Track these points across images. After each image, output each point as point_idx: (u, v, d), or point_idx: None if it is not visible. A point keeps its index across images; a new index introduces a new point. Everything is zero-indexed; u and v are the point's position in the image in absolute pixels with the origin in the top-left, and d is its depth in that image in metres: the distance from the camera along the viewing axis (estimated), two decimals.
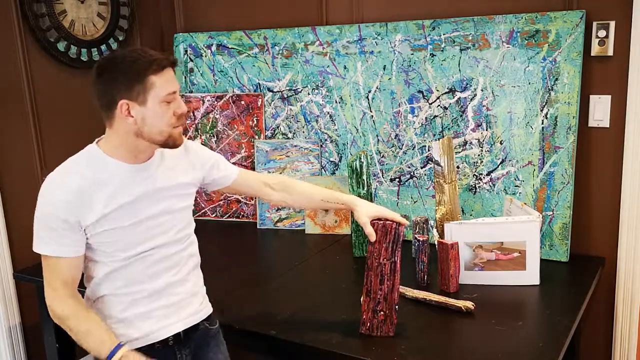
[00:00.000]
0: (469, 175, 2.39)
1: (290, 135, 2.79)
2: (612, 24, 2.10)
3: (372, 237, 1.65)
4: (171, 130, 1.45)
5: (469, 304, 1.86)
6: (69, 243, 1.44)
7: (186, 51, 2.95)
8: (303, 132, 2.75)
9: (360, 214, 1.68)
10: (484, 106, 2.32)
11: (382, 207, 1.70)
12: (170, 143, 1.47)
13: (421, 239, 2.08)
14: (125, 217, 1.47)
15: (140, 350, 1.51)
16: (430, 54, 2.39)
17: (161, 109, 1.42)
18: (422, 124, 2.46)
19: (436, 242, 2.11)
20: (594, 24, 2.12)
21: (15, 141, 2.47)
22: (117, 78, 1.39)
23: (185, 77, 2.98)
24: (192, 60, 2.95)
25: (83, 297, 1.54)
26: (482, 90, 2.31)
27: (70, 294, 1.47)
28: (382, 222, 1.66)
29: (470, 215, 2.39)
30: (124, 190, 1.46)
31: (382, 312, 1.71)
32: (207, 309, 1.69)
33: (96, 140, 1.51)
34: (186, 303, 1.61)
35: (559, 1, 2.19)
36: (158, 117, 1.42)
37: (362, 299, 1.73)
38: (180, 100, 1.46)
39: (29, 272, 2.37)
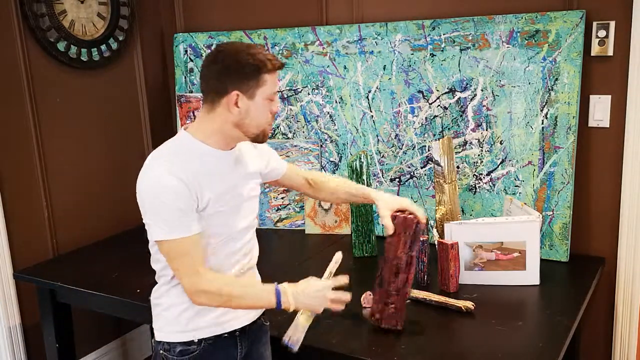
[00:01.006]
0: (469, 175, 2.39)
1: (290, 135, 2.79)
2: (612, 24, 2.10)
3: (390, 230, 1.71)
4: (265, 126, 1.53)
5: (469, 304, 1.86)
6: (193, 219, 1.47)
7: (186, 51, 2.95)
8: (303, 132, 2.75)
9: (381, 207, 1.73)
10: (484, 106, 2.32)
11: (404, 199, 1.75)
12: (261, 138, 1.54)
13: (421, 239, 2.08)
14: (223, 201, 1.52)
15: (206, 341, 1.56)
16: (430, 54, 2.39)
17: (264, 106, 1.49)
18: (422, 124, 2.46)
19: (436, 242, 2.11)
20: (594, 24, 2.12)
21: (15, 141, 2.47)
22: (234, 69, 1.45)
23: (185, 77, 2.98)
24: (192, 60, 2.95)
25: (160, 280, 1.58)
26: (482, 90, 2.31)
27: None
28: (403, 215, 1.69)
29: (470, 215, 2.39)
30: (221, 176, 1.52)
31: (393, 305, 1.73)
32: None
33: (183, 127, 1.56)
34: None
35: (559, 1, 2.19)
36: (260, 112, 1.49)
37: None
38: (278, 100, 1.56)
39: (29, 272, 2.37)
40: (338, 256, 1.67)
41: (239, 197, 1.58)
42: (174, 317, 1.55)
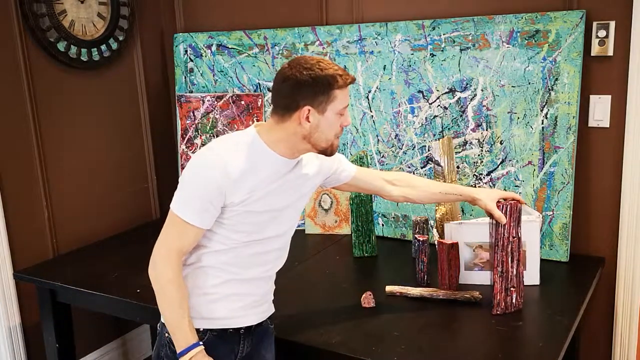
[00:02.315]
0: (469, 175, 2.39)
1: None
2: (612, 24, 2.10)
3: (503, 220, 1.79)
4: (334, 140, 1.55)
5: (476, 294, 1.90)
6: (210, 216, 1.50)
7: (186, 51, 2.95)
8: None
9: (486, 202, 1.82)
10: (484, 106, 2.32)
11: (498, 190, 1.85)
12: (329, 151, 1.56)
13: (421, 239, 2.08)
14: (266, 203, 1.53)
15: (211, 332, 1.56)
16: (430, 54, 2.39)
17: (334, 120, 1.52)
18: (422, 124, 2.46)
19: (436, 242, 2.11)
20: (594, 24, 2.12)
21: (15, 141, 2.47)
22: (307, 84, 1.47)
23: (185, 77, 2.98)
24: (192, 60, 2.95)
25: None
26: (482, 90, 2.31)
27: (180, 262, 1.52)
28: (507, 202, 1.79)
29: (470, 215, 2.39)
30: (274, 179, 1.54)
31: (513, 288, 1.83)
32: (272, 308, 1.73)
33: (254, 124, 1.58)
34: (266, 299, 1.67)
35: (559, 1, 2.19)
36: (330, 126, 1.52)
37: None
38: (348, 114, 1.56)
39: (29, 272, 2.37)
40: None
41: (282, 204, 1.58)
42: (191, 302, 1.56)
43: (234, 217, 1.52)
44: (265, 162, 1.52)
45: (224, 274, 1.57)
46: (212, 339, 1.57)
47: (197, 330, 1.55)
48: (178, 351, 1.49)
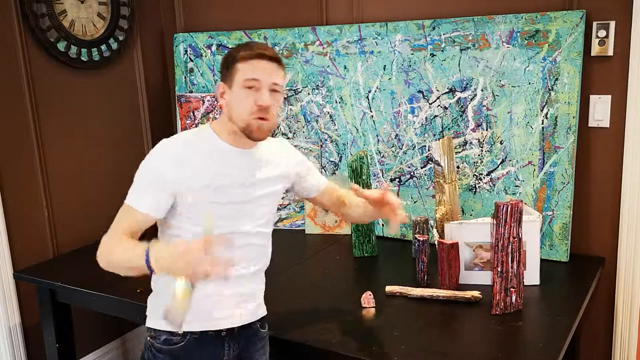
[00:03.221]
0: (469, 175, 2.39)
1: (290, 135, 2.79)
2: (612, 24, 2.10)
3: (374, 195, 1.63)
4: (250, 120, 1.49)
5: (476, 294, 1.90)
6: (155, 202, 1.49)
7: (186, 51, 2.95)
8: (303, 132, 2.75)
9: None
10: (484, 106, 2.32)
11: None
12: (247, 133, 1.51)
13: (421, 239, 2.08)
14: (217, 195, 1.52)
15: (192, 335, 1.54)
16: (430, 54, 2.39)
17: (243, 96, 1.48)
18: (422, 124, 2.46)
19: (436, 242, 2.11)
20: (594, 24, 2.12)
21: (15, 141, 2.47)
22: (221, 64, 1.55)
23: (185, 77, 2.98)
24: (192, 60, 2.95)
25: None
26: (482, 90, 2.31)
27: (122, 237, 1.49)
28: (508, 202, 1.78)
29: (470, 215, 2.39)
30: (222, 171, 1.53)
31: (513, 289, 1.83)
32: (263, 311, 1.70)
33: (211, 120, 1.59)
34: (248, 299, 1.62)
35: (559, 1, 2.19)
36: (240, 102, 1.49)
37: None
38: (267, 93, 1.49)
39: (29, 272, 2.37)
40: (209, 216, 1.42)
41: (244, 198, 1.56)
42: (162, 304, 1.52)
43: (191, 210, 1.50)
44: (213, 150, 1.54)
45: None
46: (193, 341, 1.55)
47: (177, 333, 1.53)
48: (141, 265, 1.38)
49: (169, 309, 1.31)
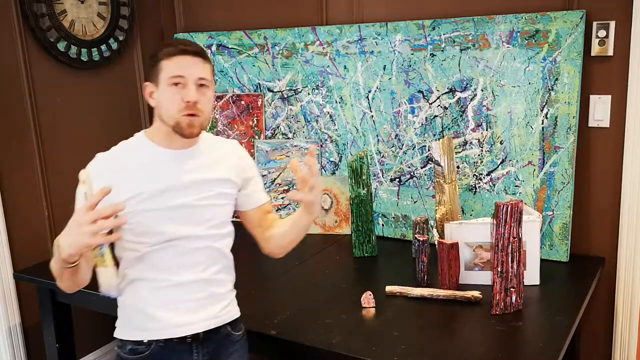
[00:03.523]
0: (469, 175, 2.39)
1: (290, 135, 2.79)
2: (612, 24, 2.10)
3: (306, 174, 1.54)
4: (179, 117, 1.48)
5: (476, 293, 1.90)
6: None
7: None
8: (303, 132, 2.75)
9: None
10: (484, 106, 2.32)
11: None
12: (178, 131, 1.50)
13: (421, 239, 2.08)
14: (153, 202, 1.50)
15: (157, 343, 1.53)
16: (430, 54, 2.39)
17: (170, 93, 1.47)
18: (422, 124, 2.46)
19: (436, 242, 2.11)
20: (594, 24, 2.12)
21: (15, 141, 2.47)
22: (148, 64, 1.54)
23: None
24: None
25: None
26: (482, 90, 2.31)
27: None
28: (508, 202, 1.78)
29: (470, 215, 2.39)
30: (156, 176, 1.51)
31: (512, 289, 1.83)
32: (231, 314, 1.66)
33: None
34: (209, 303, 1.58)
35: (559, 1, 2.19)
36: (167, 100, 1.48)
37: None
38: (193, 89, 1.47)
39: (29, 272, 2.37)
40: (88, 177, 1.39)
41: (186, 201, 1.52)
42: (126, 315, 1.57)
43: (134, 217, 1.48)
44: (147, 156, 1.53)
45: (150, 283, 1.53)
46: (159, 349, 1.53)
47: (141, 342, 1.53)
48: (57, 258, 1.37)
49: (98, 279, 1.35)
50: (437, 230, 2.24)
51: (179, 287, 1.54)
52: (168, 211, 1.51)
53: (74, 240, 1.28)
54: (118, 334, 1.58)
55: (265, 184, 2.78)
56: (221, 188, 1.60)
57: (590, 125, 2.21)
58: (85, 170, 1.44)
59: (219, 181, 1.59)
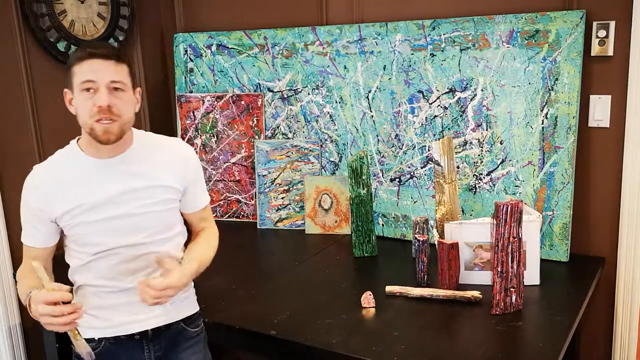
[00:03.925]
0: (469, 175, 2.39)
1: (290, 135, 2.79)
2: (612, 24, 2.10)
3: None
4: (92, 123, 1.45)
5: (476, 294, 1.90)
6: (37, 234, 1.55)
7: (186, 51, 2.95)
8: (303, 132, 2.75)
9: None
10: (484, 106, 2.32)
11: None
12: (94, 137, 1.47)
13: (421, 239, 2.08)
14: (90, 214, 1.50)
15: (107, 340, 1.57)
16: (430, 54, 2.39)
17: (83, 99, 1.44)
18: (422, 124, 2.46)
19: (436, 242, 2.11)
20: (594, 24, 2.12)
21: (15, 141, 2.47)
22: (64, 69, 1.50)
23: (185, 77, 2.98)
24: (192, 60, 2.95)
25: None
26: (482, 90, 2.31)
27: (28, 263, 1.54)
28: (508, 202, 1.78)
29: (470, 215, 2.39)
30: (89, 188, 1.50)
31: (512, 289, 1.83)
32: (183, 312, 1.65)
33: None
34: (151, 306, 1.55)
35: (559, 1, 2.19)
36: (81, 106, 1.45)
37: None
38: (105, 93, 1.43)
39: None
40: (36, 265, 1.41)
41: (124, 211, 1.51)
42: (85, 318, 1.57)
43: (73, 229, 1.50)
44: (80, 167, 1.51)
45: (96, 289, 1.55)
46: (109, 346, 1.56)
47: (92, 339, 1.56)
48: (26, 306, 1.43)
49: (74, 347, 1.48)
50: (437, 230, 2.24)
51: (124, 293, 1.55)
52: (106, 222, 1.50)
53: (43, 319, 1.36)
54: None
55: (265, 184, 2.78)
56: (161, 195, 1.56)
57: (590, 125, 2.21)
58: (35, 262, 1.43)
59: (158, 188, 1.56)
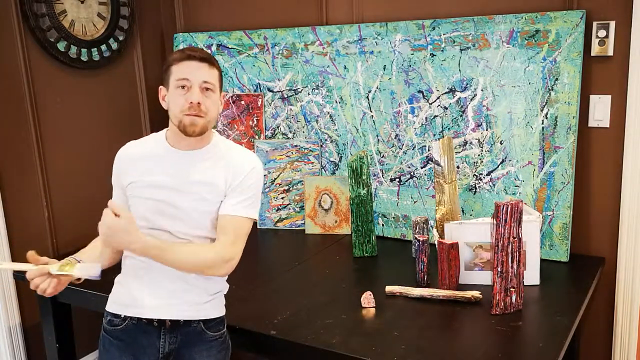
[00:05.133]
0: (469, 175, 2.39)
1: (290, 135, 2.79)
2: (612, 24, 2.10)
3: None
4: (182, 117, 1.60)
5: (476, 294, 1.90)
6: (116, 198, 1.75)
7: None
8: (303, 132, 2.75)
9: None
10: (484, 106, 2.32)
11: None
12: (181, 129, 1.61)
13: (421, 239, 2.08)
14: (145, 191, 1.64)
15: (130, 319, 1.65)
16: (430, 54, 2.39)
17: (175, 93, 1.60)
18: (422, 124, 2.46)
19: (436, 242, 2.11)
20: (594, 24, 2.12)
21: (15, 141, 2.47)
22: (162, 69, 1.68)
23: None
24: None
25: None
26: (482, 90, 2.31)
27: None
28: (508, 202, 1.78)
29: (470, 215, 2.39)
30: (157, 168, 1.65)
31: (512, 289, 1.83)
32: (204, 313, 1.67)
33: None
34: (182, 295, 1.63)
35: (559, 1, 2.19)
36: (174, 101, 1.61)
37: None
38: (197, 91, 1.59)
39: None
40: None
41: (173, 200, 1.62)
42: (114, 288, 1.73)
43: (130, 199, 1.68)
44: (155, 150, 1.68)
45: (135, 261, 1.65)
46: (132, 327, 1.65)
47: (118, 315, 1.66)
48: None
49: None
50: (437, 230, 2.24)
51: (157, 272, 1.62)
52: (156, 204, 1.63)
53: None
54: (107, 304, 1.72)
55: (265, 184, 2.78)
56: (213, 196, 1.64)
57: (590, 125, 2.21)
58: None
59: (213, 188, 1.64)
